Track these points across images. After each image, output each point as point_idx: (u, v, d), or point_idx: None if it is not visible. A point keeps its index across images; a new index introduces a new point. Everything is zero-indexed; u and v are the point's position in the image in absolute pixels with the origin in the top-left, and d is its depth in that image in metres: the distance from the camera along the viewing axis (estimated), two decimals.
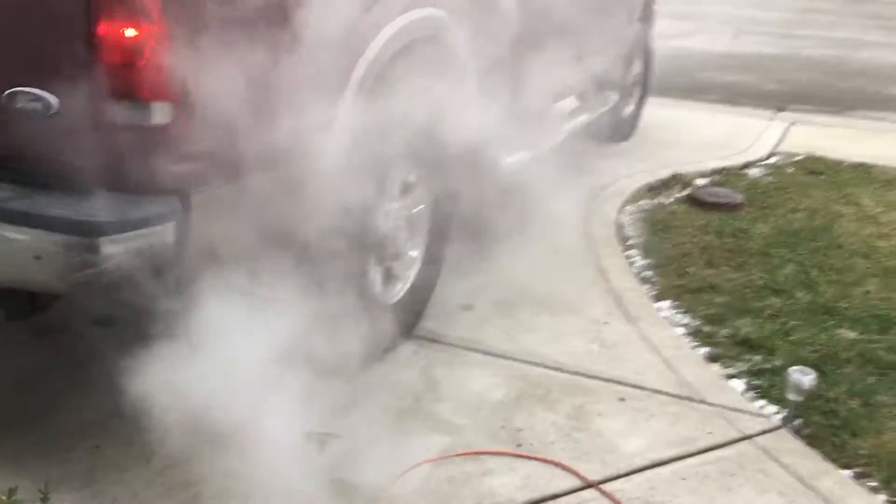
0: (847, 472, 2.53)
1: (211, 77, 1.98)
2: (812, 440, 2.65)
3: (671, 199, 4.86)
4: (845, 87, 8.53)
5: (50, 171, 1.99)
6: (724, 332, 3.30)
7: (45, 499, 2.08)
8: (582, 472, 2.45)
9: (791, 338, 3.25)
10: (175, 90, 1.96)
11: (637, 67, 5.88)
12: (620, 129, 5.88)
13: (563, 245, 4.09)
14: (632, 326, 3.32)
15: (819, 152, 5.77)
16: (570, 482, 2.42)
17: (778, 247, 4.12)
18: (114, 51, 1.92)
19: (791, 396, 2.73)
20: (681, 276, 3.78)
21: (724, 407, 2.80)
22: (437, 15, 2.92)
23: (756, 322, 3.36)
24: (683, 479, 2.45)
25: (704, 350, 3.20)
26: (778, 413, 2.79)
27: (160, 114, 1.97)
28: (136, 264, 1.99)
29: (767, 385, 2.94)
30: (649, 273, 3.85)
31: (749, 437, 2.65)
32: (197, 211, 2.06)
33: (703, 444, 2.61)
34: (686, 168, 5.28)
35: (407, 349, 3.07)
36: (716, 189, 4.95)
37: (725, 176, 5.30)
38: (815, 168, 5.46)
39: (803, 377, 2.71)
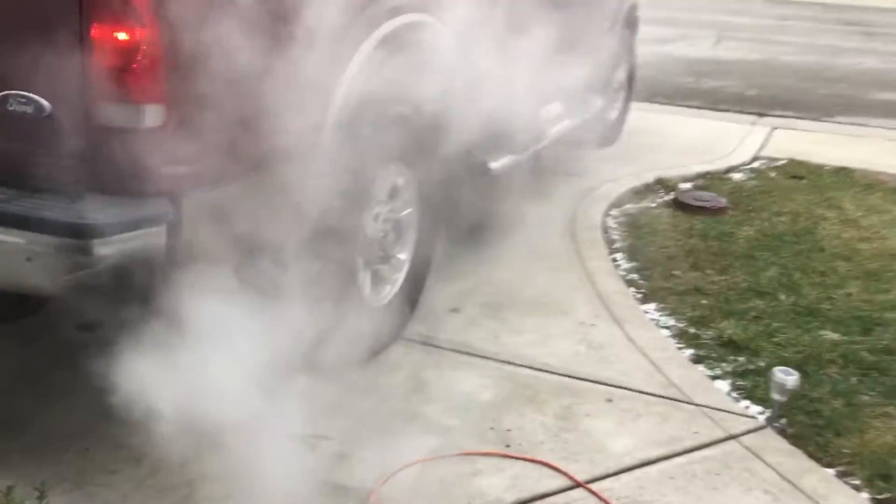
0: (831, 471, 2.57)
1: (202, 80, 2.00)
2: (796, 439, 2.69)
3: (656, 203, 4.90)
4: (825, 92, 8.63)
5: (42, 173, 2.00)
6: (709, 333, 3.34)
7: (41, 497, 2.08)
8: (571, 472, 2.47)
9: (775, 339, 3.29)
10: (167, 93, 1.97)
11: (621, 73, 5.93)
12: (605, 134, 5.92)
13: (549, 248, 4.12)
14: (618, 328, 3.35)
15: (801, 157, 5.84)
16: (559, 482, 2.44)
17: (761, 250, 4.17)
18: (106, 54, 1.93)
19: (775, 396, 2.77)
20: (666, 279, 3.82)
21: (709, 407, 2.83)
22: (424, 20, 2.94)
23: (740, 324, 3.40)
24: (671, 478, 2.48)
25: (690, 351, 3.23)
26: (762, 413, 2.83)
27: (152, 116, 1.98)
28: (128, 266, 2.00)
29: (752, 385, 2.98)
30: (635, 276, 3.88)
31: (734, 437, 2.68)
32: (188, 213, 2.07)
33: (689, 443, 2.64)
34: (670, 172, 5.34)
35: (396, 352, 3.08)
36: (700, 193, 5.00)
37: (709, 180, 5.36)
38: (798, 172, 5.53)
39: (787, 378, 2.75)
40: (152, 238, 2.02)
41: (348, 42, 2.52)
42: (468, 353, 3.11)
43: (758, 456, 2.59)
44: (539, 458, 2.53)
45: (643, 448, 2.61)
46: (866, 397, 2.93)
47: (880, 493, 2.47)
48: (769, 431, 2.73)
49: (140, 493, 2.32)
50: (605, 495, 2.39)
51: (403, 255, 3.14)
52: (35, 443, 2.49)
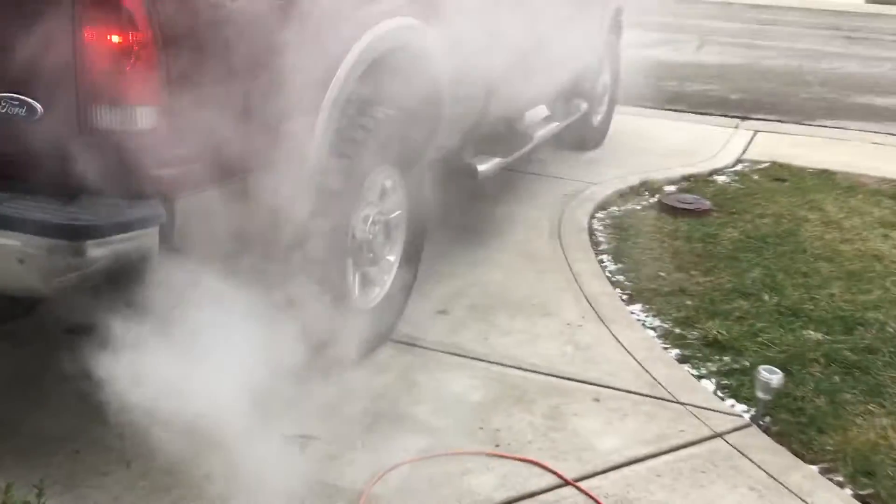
0: (814, 468, 2.61)
1: (195, 82, 2.01)
2: (781, 437, 2.73)
3: (641, 206, 4.95)
4: (807, 96, 8.73)
5: (34, 175, 2.00)
6: (695, 333, 3.38)
7: (40, 494, 2.10)
8: (559, 471, 2.50)
9: (759, 339, 3.34)
10: (159, 95, 1.98)
11: (606, 77, 5.98)
12: (590, 137, 5.97)
13: (536, 250, 4.16)
14: (605, 329, 3.38)
15: (783, 160, 5.91)
16: (548, 480, 2.47)
17: (745, 251, 4.22)
18: (99, 57, 1.94)
19: (760, 395, 2.80)
20: (652, 280, 3.86)
21: (695, 406, 2.87)
22: (411, 24, 2.97)
23: (725, 324, 3.44)
24: (658, 475, 2.52)
25: (676, 351, 3.27)
26: (747, 411, 2.87)
27: (144, 118, 1.99)
28: (121, 267, 2.01)
29: (737, 384, 3.02)
30: (621, 277, 3.92)
31: (720, 435, 2.72)
32: (181, 214, 2.08)
33: (676, 441, 2.68)
34: (655, 175, 5.38)
35: (385, 353, 3.10)
36: (684, 195, 5.05)
37: (693, 183, 5.41)
38: (780, 175, 5.60)
39: (771, 376, 2.79)
40: (145, 239, 2.03)
41: (338, 45, 2.54)
42: (457, 355, 3.13)
43: (743, 453, 2.63)
44: (528, 457, 2.56)
45: (630, 446, 2.64)
46: (849, 395, 2.97)
47: (863, 489, 2.51)
48: (754, 429, 2.77)
49: (132, 495, 2.32)
50: (593, 493, 2.42)
51: (392, 257, 3.16)
52: (24, 445, 2.49)
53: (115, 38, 1.94)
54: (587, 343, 3.27)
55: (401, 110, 2.94)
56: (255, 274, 2.34)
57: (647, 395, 2.93)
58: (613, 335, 3.33)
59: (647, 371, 3.08)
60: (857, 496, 2.50)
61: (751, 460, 2.60)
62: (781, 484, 2.50)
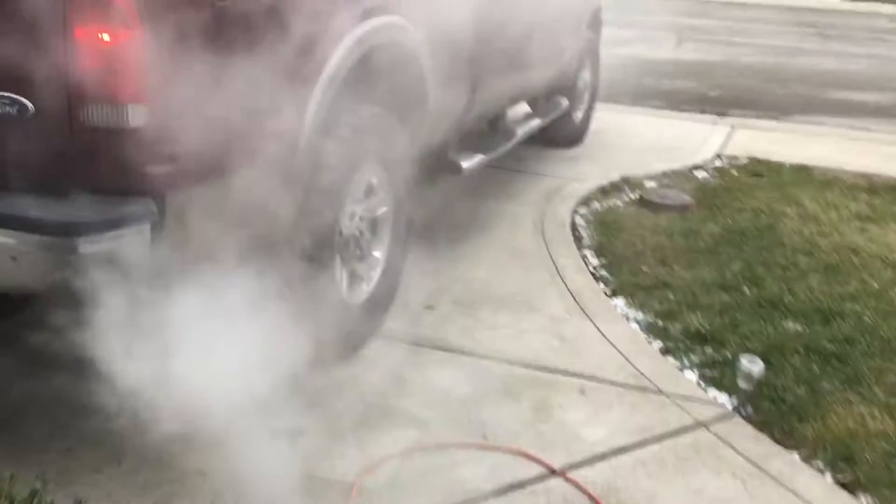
0: (795, 454, 2.66)
1: (186, 80, 2.03)
2: (762, 425, 2.79)
3: (623, 201, 5.00)
4: (784, 92, 8.84)
5: (26, 172, 2.02)
6: (677, 326, 3.44)
7: (44, 484, 2.13)
8: (547, 461, 2.54)
9: (740, 331, 3.39)
10: (150, 93, 2.00)
11: (586, 74, 6.03)
12: (572, 134, 6.02)
13: (520, 246, 4.20)
14: (589, 323, 3.43)
15: (761, 155, 5.99)
16: (536, 470, 2.51)
17: (725, 245, 4.27)
18: (90, 55, 1.95)
19: (742, 385, 2.86)
20: (635, 275, 3.91)
21: (679, 396, 2.92)
22: (397, 22, 3.00)
23: (707, 317, 3.49)
24: (643, 464, 2.56)
25: (659, 343, 3.33)
26: (730, 401, 2.92)
27: (136, 116, 2.00)
28: (113, 265, 2.02)
29: (719, 375, 3.08)
30: (604, 272, 3.97)
31: (703, 424, 2.77)
32: (172, 211, 2.10)
33: (660, 431, 2.73)
34: (636, 171, 5.44)
35: (372, 349, 3.13)
36: (665, 191, 5.11)
37: (674, 178, 5.47)
38: (758, 170, 5.67)
39: (752, 367, 2.85)
40: (137, 236, 2.05)
41: (325, 44, 2.56)
42: (444, 349, 3.17)
43: (726, 442, 2.68)
44: (516, 447, 2.60)
45: (616, 437, 2.69)
46: (827, 385, 3.03)
47: (842, 475, 2.57)
48: (736, 418, 2.82)
49: (125, 491, 2.34)
50: (580, 482, 2.46)
51: (379, 254, 3.19)
52: (16, 443, 2.50)
53: (106, 37, 1.95)
54: (572, 336, 3.32)
55: (387, 108, 2.97)
56: (245, 270, 2.36)
57: (631, 387, 2.98)
58: (598, 328, 3.38)
59: (631, 363, 3.12)
60: (836, 481, 2.56)
61: (733, 448, 2.65)
62: (763, 471, 2.56)
